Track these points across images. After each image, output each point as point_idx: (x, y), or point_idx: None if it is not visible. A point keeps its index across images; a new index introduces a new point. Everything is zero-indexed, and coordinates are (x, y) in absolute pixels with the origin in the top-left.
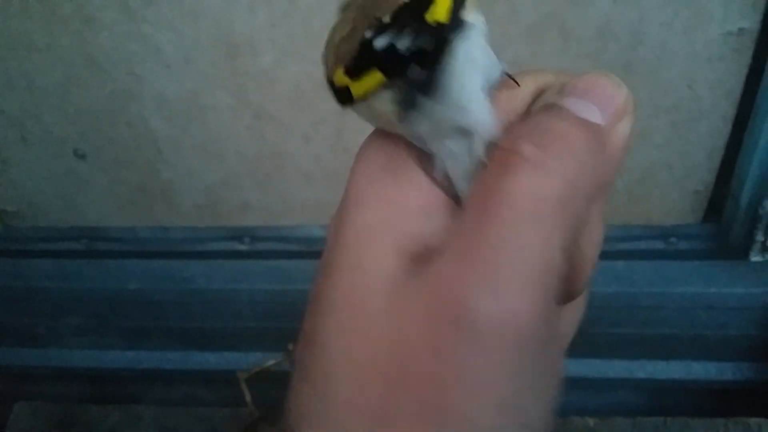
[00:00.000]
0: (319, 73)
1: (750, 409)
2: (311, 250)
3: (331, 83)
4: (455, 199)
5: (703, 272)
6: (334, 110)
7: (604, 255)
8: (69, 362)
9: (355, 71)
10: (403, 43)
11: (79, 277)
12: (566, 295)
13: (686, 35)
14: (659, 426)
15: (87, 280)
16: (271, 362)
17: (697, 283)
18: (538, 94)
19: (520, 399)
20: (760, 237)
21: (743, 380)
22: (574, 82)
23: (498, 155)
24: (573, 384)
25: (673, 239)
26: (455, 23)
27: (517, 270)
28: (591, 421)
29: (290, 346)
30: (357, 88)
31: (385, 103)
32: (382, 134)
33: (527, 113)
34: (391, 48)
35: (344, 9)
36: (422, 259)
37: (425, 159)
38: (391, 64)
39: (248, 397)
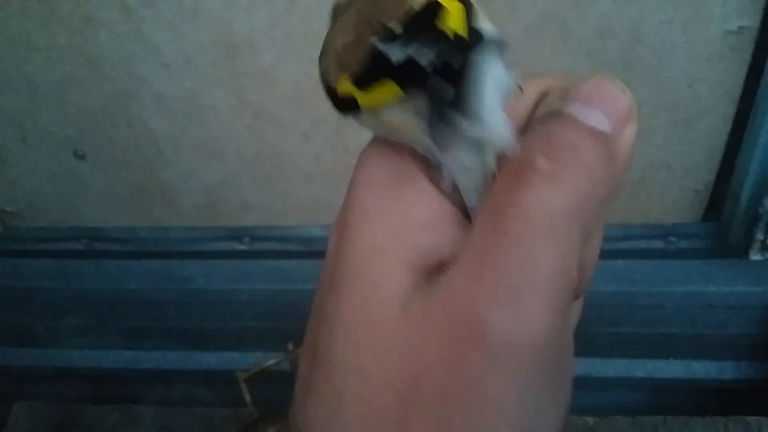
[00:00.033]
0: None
1: (750, 408)
2: (311, 249)
3: (332, 90)
4: (463, 210)
5: (703, 271)
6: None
7: (604, 254)
8: (68, 362)
9: (364, 81)
10: (425, 57)
11: (79, 277)
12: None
13: (686, 34)
14: (659, 425)
15: (87, 280)
16: (270, 362)
17: (697, 282)
18: (541, 99)
19: (535, 416)
20: (759, 236)
21: (743, 379)
22: (579, 87)
23: (510, 167)
24: (573, 383)
25: (673, 238)
26: (474, 35)
27: (533, 287)
28: (591, 420)
29: (290, 346)
30: (365, 98)
31: (398, 115)
32: (384, 142)
33: (530, 118)
34: (410, 61)
35: (338, 11)
36: (433, 273)
37: (431, 169)
38: (410, 76)
39: (248, 397)
